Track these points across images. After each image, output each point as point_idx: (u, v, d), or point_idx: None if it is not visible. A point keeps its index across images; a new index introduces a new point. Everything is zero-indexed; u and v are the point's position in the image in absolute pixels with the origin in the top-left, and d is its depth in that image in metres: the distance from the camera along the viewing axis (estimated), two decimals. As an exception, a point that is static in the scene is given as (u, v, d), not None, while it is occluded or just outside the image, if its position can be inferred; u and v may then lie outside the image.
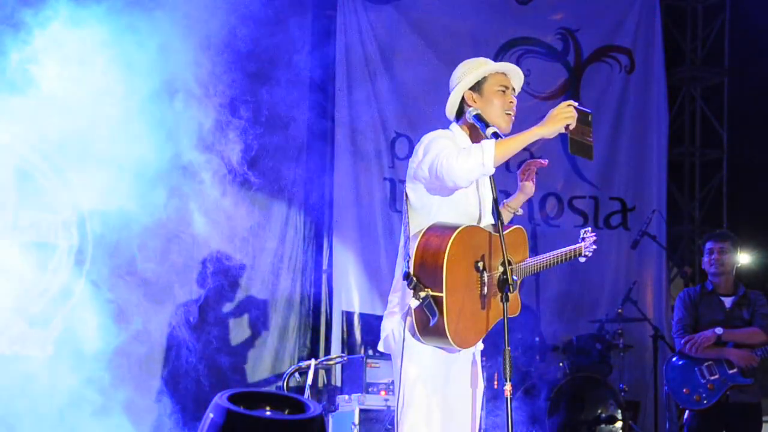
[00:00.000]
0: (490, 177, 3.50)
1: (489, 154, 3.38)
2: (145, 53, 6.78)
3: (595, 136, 9.65)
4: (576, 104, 3.57)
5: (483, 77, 3.71)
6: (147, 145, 6.67)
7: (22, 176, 6.91)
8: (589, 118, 3.57)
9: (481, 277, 3.49)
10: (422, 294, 3.39)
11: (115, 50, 6.32)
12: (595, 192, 8.50)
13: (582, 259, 3.82)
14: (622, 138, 8.64)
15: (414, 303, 3.45)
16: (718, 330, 5.90)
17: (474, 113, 3.63)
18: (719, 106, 9.05)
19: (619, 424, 7.00)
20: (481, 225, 3.66)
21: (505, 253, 3.46)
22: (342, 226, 7.77)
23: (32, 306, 6.86)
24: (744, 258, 8.06)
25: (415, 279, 3.43)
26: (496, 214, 3.49)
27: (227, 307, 7.43)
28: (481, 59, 3.79)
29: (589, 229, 3.86)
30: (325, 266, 7.87)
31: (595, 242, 3.83)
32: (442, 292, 3.38)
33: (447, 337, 3.42)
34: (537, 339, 7.28)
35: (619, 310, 7.41)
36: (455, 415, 3.63)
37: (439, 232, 3.48)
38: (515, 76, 3.77)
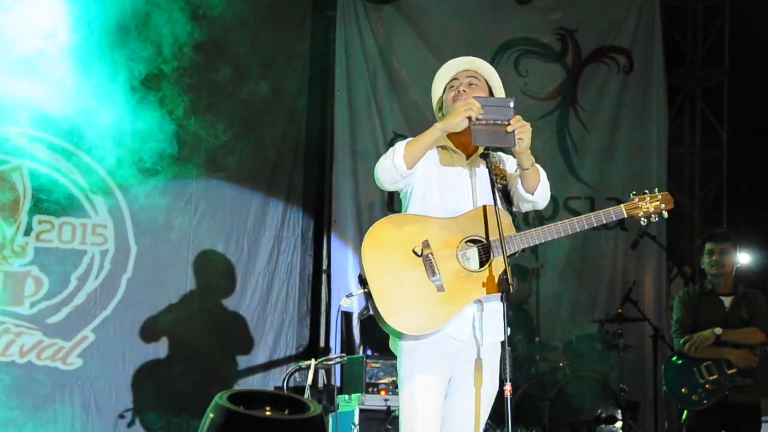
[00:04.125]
0: (487, 165, 3.55)
1: (399, 154, 3.53)
2: (143, 51, 6.81)
3: (591, 136, 9.60)
4: (483, 96, 3.61)
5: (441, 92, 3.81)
6: (147, 143, 6.70)
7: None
8: (511, 104, 3.51)
9: (425, 260, 3.49)
10: (356, 292, 3.47)
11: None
12: (591, 192, 8.47)
13: (643, 222, 3.79)
14: (619, 138, 8.63)
15: (345, 302, 3.52)
16: (717, 330, 5.90)
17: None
18: (719, 106, 9.04)
19: (619, 424, 7.00)
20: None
21: (504, 248, 3.43)
22: (341, 226, 7.78)
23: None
24: (744, 258, 8.06)
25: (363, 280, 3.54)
26: (494, 198, 3.53)
27: (224, 306, 7.43)
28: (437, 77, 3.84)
29: (646, 192, 3.78)
30: (324, 266, 7.88)
31: (663, 202, 3.78)
32: (368, 284, 3.48)
33: (389, 325, 3.45)
34: (537, 339, 7.29)
35: (619, 310, 7.41)
36: (456, 413, 3.60)
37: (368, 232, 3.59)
38: (456, 68, 3.82)
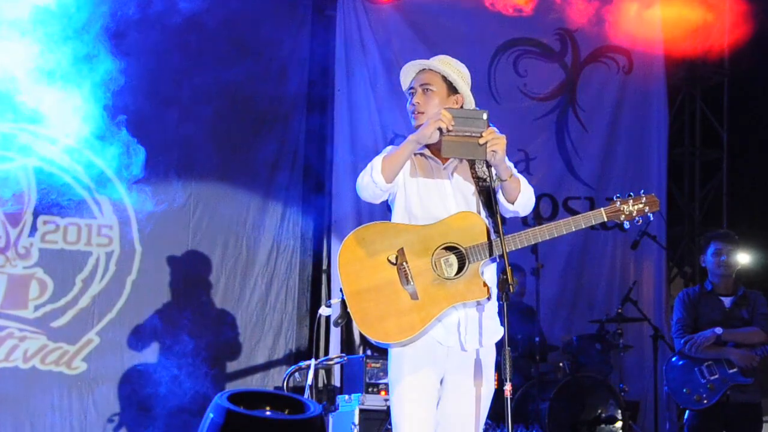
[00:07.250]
0: (488, 169, 3.55)
1: (377, 170, 3.57)
2: (145, 52, 6.82)
3: (590, 136, 9.57)
4: (457, 107, 3.63)
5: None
6: (149, 143, 6.70)
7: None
8: (484, 117, 3.50)
9: (399, 269, 3.49)
10: (334, 301, 3.47)
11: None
12: (591, 193, 8.47)
13: (627, 225, 3.68)
14: (619, 138, 8.63)
15: (324, 311, 3.53)
16: (718, 330, 5.89)
17: None
18: (719, 106, 9.05)
19: (619, 424, 7.00)
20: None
21: (506, 254, 3.42)
22: (341, 226, 7.77)
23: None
24: (744, 258, 8.07)
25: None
26: (495, 205, 3.53)
27: (224, 307, 7.44)
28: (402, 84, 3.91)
29: (631, 194, 3.69)
30: (324, 266, 7.87)
31: (648, 204, 3.66)
32: (343, 294, 3.49)
33: (365, 335, 3.46)
34: (537, 339, 7.29)
35: (619, 310, 7.41)
36: (451, 415, 3.59)
37: None
38: (409, 74, 3.96)
